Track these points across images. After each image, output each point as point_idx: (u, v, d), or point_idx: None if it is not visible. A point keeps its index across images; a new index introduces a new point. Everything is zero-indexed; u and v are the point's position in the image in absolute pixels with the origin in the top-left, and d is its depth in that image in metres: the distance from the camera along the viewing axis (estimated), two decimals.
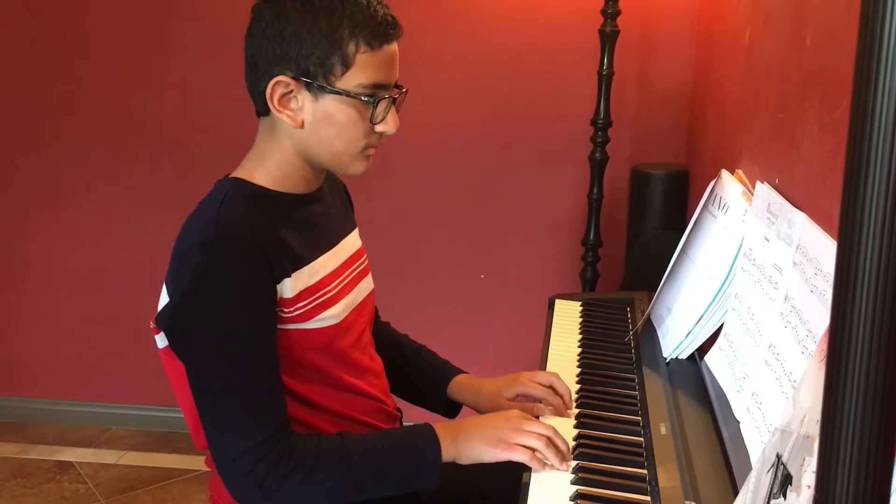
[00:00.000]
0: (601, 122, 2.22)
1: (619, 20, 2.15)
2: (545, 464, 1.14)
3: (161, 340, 1.22)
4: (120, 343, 2.76)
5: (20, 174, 2.70)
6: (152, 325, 1.22)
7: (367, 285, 1.37)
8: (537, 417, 1.31)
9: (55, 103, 2.63)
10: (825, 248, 0.99)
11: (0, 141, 2.68)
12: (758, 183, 1.30)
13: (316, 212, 1.27)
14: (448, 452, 1.16)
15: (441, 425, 1.19)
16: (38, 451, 2.71)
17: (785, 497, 0.78)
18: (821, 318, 0.96)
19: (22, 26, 2.59)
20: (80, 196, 2.69)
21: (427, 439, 1.17)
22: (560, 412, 1.31)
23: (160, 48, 2.55)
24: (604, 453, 1.18)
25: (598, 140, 2.24)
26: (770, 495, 0.81)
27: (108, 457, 2.67)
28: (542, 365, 1.49)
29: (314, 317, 1.20)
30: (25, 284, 2.78)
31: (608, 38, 2.16)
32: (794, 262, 1.09)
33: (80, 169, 2.67)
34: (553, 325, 1.67)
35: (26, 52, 2.60)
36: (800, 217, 1.10)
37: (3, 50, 2.61)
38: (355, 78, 1.14)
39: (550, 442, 1.15)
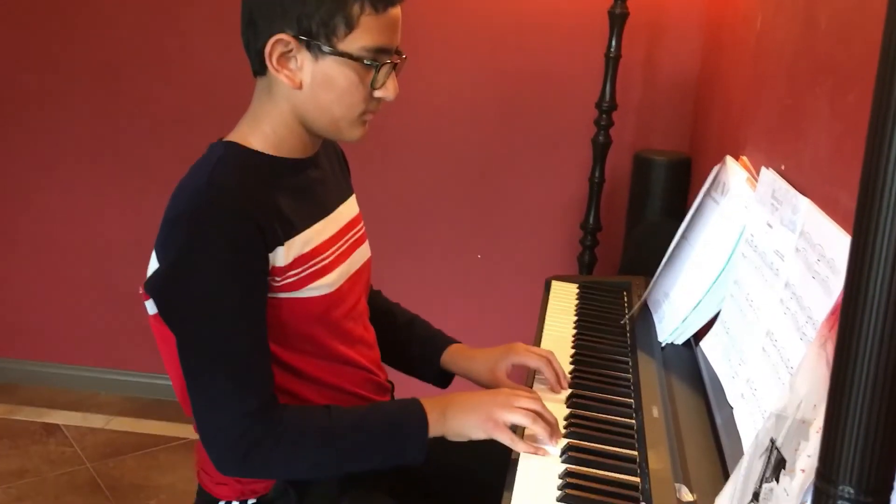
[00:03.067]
0: (606, 105, 2.20)
1: (629, 2, 2.13)
2: (533, 447, 1.12)
3: (151, 307, 1.19)
4: (112, 309, 2.75)
5: (19, 142, 2.67)
6: (141, 290, 1.20)
7: (363, 254, 1.34)
8: (530, 386, 1.30)
9: (55, 72, 2.60)
10: (830, 235, 0.98)
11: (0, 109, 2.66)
12: (763, 168, 1.29)
13: (313, 178, 1.24)
14: (435, 428, 1.14)
15: (429, 400, 1.17)
16: (26, 412, 2.70)
17: (778, 481, 0.77)
18: (822, 305, 0.95)
19: None
20: (77, 164, 2.67)
21: (415, 415, 1.15)
22: (553, 387, 1.30)
23: (162, 18, 2.52)
24: (595, 433, 1.17)
25: (602, 123, 2.22)
26: (762, 479, 0.81)
27: (95, 421, 2.67)
28: (536, 344, 1.48)
29: (307, 285, 1.17)
30: (20, 248, 2.76)
31: (617, 19, 2.14)
32: (797, 249, 1.08)
33: (78, 138, 2.65)
34: (549, 305, 1.65)
35: (28, 21, 2.57)
36: (805, 203, 1.08)
37: (4, 19, 2.58)
38: (358, 41, 1.12)
39: (539, 417, 1.14)
